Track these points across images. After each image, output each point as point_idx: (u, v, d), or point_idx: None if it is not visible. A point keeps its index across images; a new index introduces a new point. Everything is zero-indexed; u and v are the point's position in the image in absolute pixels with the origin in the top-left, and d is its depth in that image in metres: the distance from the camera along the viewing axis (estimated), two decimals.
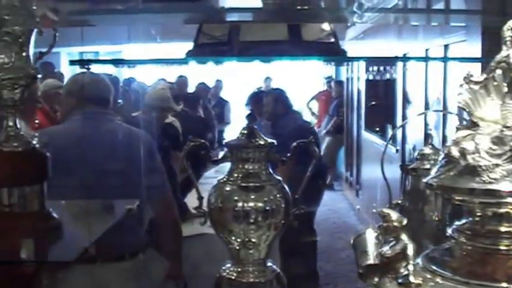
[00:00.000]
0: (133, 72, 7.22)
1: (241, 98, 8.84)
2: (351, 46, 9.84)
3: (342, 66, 12.20)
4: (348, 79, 13.41)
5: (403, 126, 7.28)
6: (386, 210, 1.15)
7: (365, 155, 11.28)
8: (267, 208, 1.84)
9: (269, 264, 1.94)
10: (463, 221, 1.16)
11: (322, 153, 9.24)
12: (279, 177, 1.91)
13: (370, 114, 10.93)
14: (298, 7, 1.83)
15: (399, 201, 1.99)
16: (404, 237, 1.12)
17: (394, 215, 1.14)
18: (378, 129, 9.63)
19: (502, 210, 1.09)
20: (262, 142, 1.89)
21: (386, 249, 1.17)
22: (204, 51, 1.79)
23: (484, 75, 1.13)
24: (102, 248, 1.95)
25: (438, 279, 1.10)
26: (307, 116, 15.81)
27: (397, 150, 7.97)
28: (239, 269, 1.91)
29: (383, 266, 1.15)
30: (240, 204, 1.83)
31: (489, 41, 4.73)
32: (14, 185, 1.98)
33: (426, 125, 6.56)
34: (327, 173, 10.01)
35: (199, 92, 10.11)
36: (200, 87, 10.24)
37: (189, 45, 2.00)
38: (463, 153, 1.05)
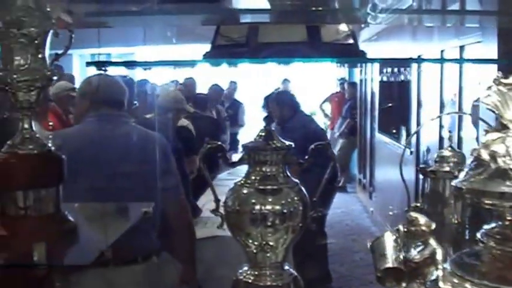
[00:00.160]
0: (147, 74, 7.21)
1: (259, 100, 8.83)
2: (364, 47, 9.76)
3: (356, 67, 12.17)
4: (361, 81, 13.36)
5: (418, 130, 7.22)
6: (414, 214, 1.13)
7: (378, 157, 11.23)
8: (285, 211, 1.82)
9: (286, 267, 1.92)
10: (492, 224, 1.14)
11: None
12: (296, 180, 1.89)
13: (384, 116, 10.88)
14: (313, 8, 1.82)
15: (418, 204, 1.97)
16: (432, 241, 1.10)
17: (422, 219, 1.12)
18: (394, 131, 9.57)
19: None
20: (279, 144, 1.87)
21: (414, 254, 1.15)
22: (221, 53, 1.77)
23: None
24: (117, 251, 1.94)
25: (467, 285, 1.08)
26: (319, 118, 15.84)
27: (411, 152, 7.93)
28: (256, 273, 1.89)
29: (411, 271, 1.13)
30: (257, 207, 1.81)
31: (505, 42, 4.70)
32: (30, 188, 1.97)
33: (441, 126, 6.52)
34: (339, 176, 9.98)
35: (212, 94, 10.10)
36: (213, 89, 10.23)
37: (204, 47, 1.99)
38: (494, 156, 1.02)
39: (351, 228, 10.38)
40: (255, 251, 1.86)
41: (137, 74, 7.53)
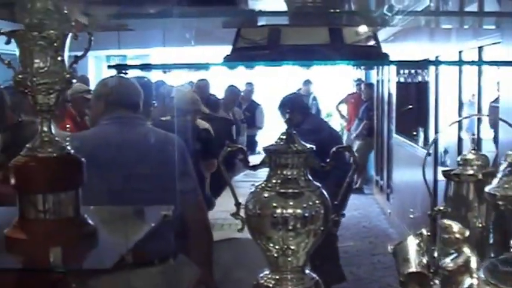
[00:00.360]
0: (164, 76, 7.20)
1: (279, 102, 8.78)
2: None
3: (372, 69, 12.13)
4: (378, 81, 13.33)
5: (437, 138, 7.17)
6: (447, 222, 1.11)
7: (396, 159, 11.19)
8: (306, 215, 1.80)
9: (307, 271, 1.90)
10: None
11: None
12: (317, 183, 1.87)
13: (402, 118, 10.83)
14: (331, 10, 1.80)
15: (441, 208, 1.94)
16: (466, 249, 1.08)
17: (455, 226, 1.10)
18: (412, 133, 9.52)
19: None
20: (300, 147, 1.85)
21: (447, 261, 1.12)
22: (242, 55, 1.76)
23: None
24: (135, 254, 1.93)
25: None
26: (336, 119, 15.83)
27: (429, 154, 7.88)
28: (277, 277, 1.87)
29: (444, 279, 1.10)
30: (278, 210, 1.79)
31: None
32: (49, 191, 1.96)
33: (460, 128, 6.48)
34: (355, 177, 9.95)
35: (229, 95, 10.08)
36: (230, 90, 10.20)
37: (224, 49, 1.97)
38: None
39: (368, 230, 10.34)
40: (276, 255, 1.84)
41: (153, 76, 7.54)
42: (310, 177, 1.87)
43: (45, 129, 2.03)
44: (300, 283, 1.87)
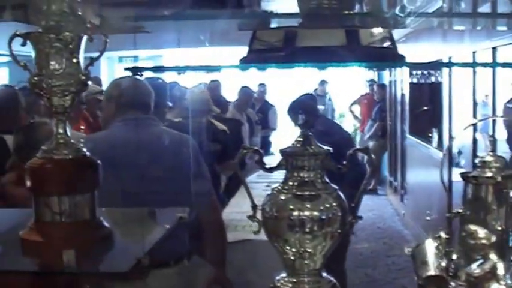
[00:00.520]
0: (177, 77, 7.21)
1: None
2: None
3: (385, 69, 12.10)
4: (390, 82, 13.30)
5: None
6: (472, 227, 1.09)
7: (409, 160, 11.16)
8: (323, 217, 1.79)
9: (324, 274, 1.89)
10: None
11: (365, 158, 9.12)
12: (334, 186, 1.86)
13: (415, 119, 10.80)
14: (345, 12, 1.79)
15: (460, 210, 1.92)
16: (493, 255, 1.06)
17: (481, 231, 1.09)
18: (426, 133, 9.49)
19: None
20: (317, 150, 1.84)
21: (474, 268, 1.11)
22: (258, 57, 1.75)
23: None
24: (151, 256, 1.92)
25: None
26: (349, 120, 15.81)
27: (444, 155, 7.85)
28: (294, 280, 1.86)
29: (470, 286, 1.09)
30: (295, 213, 1.78)
31: None
32: (65, 193, 1.96)
33: (475, 130, 6.45)
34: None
35: (242, 96, 10.08)
36: (243, 91, 10.20)
37: (238, 50, 1.96)
38: None
39: (382, 231, 10.31)
40: (292, 257, 1.83)
41: (166, 77, 7.55)
42: (327, 180, 1.85)
43: (61, 131, 2.03)
44: (316, 286, 1.86)
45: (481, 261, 1.09)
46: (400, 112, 12.01)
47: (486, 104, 7.17)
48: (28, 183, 1.98)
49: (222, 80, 9.92)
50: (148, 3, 2.29)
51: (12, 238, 2.04)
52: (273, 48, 1.73)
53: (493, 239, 1.05)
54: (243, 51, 1.83)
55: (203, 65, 1.96)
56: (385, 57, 1.78)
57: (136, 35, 2.81)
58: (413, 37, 9.12)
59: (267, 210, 1.83)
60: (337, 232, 1.82)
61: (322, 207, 1.79)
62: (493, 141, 1.96)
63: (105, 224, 2.04)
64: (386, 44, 1.80)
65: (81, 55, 2.01)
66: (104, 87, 6.82)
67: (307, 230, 1.78)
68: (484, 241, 1.08)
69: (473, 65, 5.46)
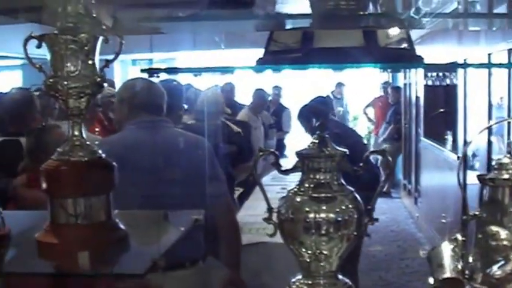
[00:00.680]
0: (191, 79, 7.22)
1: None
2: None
3: (399, 71, 12.06)
4: (405, 85, 13.26)
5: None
6: (494, 228, 1.08)
7: (424, 163, 11.12)
8: (339, 219, 1.78)
9: (340, 276, 1.88)
10: None
11: (379, 161, 9.13)
12: (351, 188, 1.85)
13: (430, 121, 10.76)
14: (361, 13, 1.78)
15: (476, 213, 1.91)
16: None
17: (503, 233, 1.07)
18: (441, 136, 9.45)
19: None
20: (333, 151, 1.83)
21: (495, 269, 1.09)
22: (275, 58, 1.74)
23: None
24: (166, 258, 1.92)
25: None
26: (363, 122, 15.79)
27: (458, 158, 7.82)
28: (310, 282, 1.85)
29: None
30: (311, 215, 1.77)
31: None
32: (80, 195, 1.96)
33: (490, 133, 6.42)
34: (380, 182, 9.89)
35: (256, 99, 10.06)
36: (257, 94, 10.18)
37: (254, 52, 1.96)
38: None
39: (396, 234, 10.28)
40: (308, 260, 1.82)
41: (180, 79, 7.55)
42: (343, 182, 1.85)
43: (76, 133, 2.02)
44: None
45: (502, 262, 1.07)
46: (415, 115, 11.98)
47: (501, 106, 7.12)
48: (43, 185, 1.97)
49: (236, 82, 9.92)
50: (164, 4, 2.29)
51: (27, 240, 2.04)
52: (290, 49, 1.72)
53: None
54: (258, 53, 1.82)
55: (218, 67, 1.95)
56: (403, 58, 1.77)
57: (151, 38, 2.81)
58: (429, 39, 9.09)
59: (283, 213, 1.82)
60: (353, 234, 1.81)
61: (338, 209, 1.78)
62: (510, 144, 1.94)
63: (121, 226, 2.03)
64: (404, 45, 1.79)
65: (97, 57, 2.00)
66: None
67: (323, 232, 1.77)
68: (505, 242, 1.07)
69: (489, 65, 5.43)
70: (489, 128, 6.35)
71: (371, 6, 1.86)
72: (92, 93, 2.00)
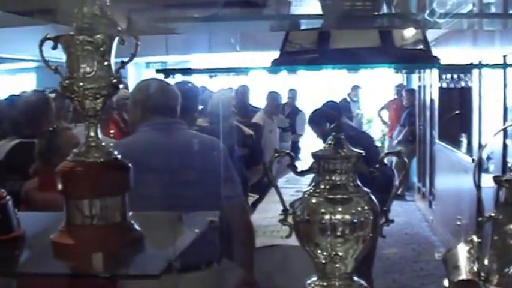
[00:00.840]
0: (206, 81, 7.23)
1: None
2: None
3: (414, 73, 12.03)
4: (420, 87, 13.22)
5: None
6: (511, 230, 1.07)
7: (438, 166, 11.08)
8: (355, 221, 1.77)
9: (355, 278, 1.88)
10: None
11: (393, 163, 9.11)
12: (366, 189, 1.85)
13: (445, 124, 10.72)
14: (375, 13, 1.78)
15: (492, 214, 1.90)
16: None
17: None
18: (456, 139, 9.41)
19: None
20: (349, 153, 1.82)
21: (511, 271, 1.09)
22: (290, 59, 1.74)
23: None
24: (182, 260, 1.92)
25: None
26: (377, 125, 15.77)
27: (473, 160, 7.79)
28: (325, 284, 1.84)
29: None
30: (326, 216, 1.77)
31: None
32: (96, 197, 1.96)
33: (505, 136, 6.38)
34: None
35: (270, 101, 10.05)
36: (271, 96, 10.17)
37: (269, 54, 1.95)
38: None
39: (410, 237, 10.25)
40: (323, 261, 1.82)
41: (194, 81, 7.56)
42: (359, 183, 1.84)
43: (92, 134, 2.02)
44: None
45: None
46: (430, 117, 11.94)
47: None
48: (59, 186, 1.98)
49: (251, 85, 9.91)
50: (179, 5, 2.28)
51: (43, 241, 2.04)
52: (306, 50, 1.72)
53: None
54: (274, 55, 1.82)
55: (233, 67, 1.95)
56: (420, 59, 1.77)
57: (166, 40, 2.81)
58: (443, 41, 9.06)
59: (298, 214, 1.82)
60: (369, 236, 1.81)
61: (353, 211, 1.78)
62: None
63: (136, 227, 2.04)
64: (420, 46, 1.78)
65: (112, 58, 2.01)
66: None
67: (338, 233, 1.76)
68: None
69: (505, 66, 5.40)
70: (504, 130, 6.31)
71: (385, 7, 1.86)
72: (107, 94, 2.00)
